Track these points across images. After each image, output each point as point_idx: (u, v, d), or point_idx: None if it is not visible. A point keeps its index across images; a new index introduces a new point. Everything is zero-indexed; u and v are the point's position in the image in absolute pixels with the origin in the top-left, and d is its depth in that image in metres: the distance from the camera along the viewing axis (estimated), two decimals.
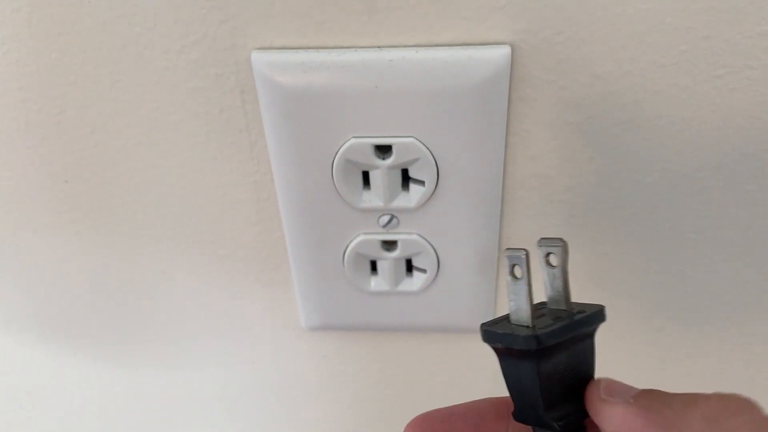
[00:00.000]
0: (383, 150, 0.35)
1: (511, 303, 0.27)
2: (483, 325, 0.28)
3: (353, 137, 0.34)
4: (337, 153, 0.34)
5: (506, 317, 0.28)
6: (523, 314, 0.27)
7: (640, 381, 0.26)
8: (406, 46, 0.32)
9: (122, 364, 0.48)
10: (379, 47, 0.32)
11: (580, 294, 0.41)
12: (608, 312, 0.40)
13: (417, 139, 0.34)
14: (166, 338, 0.46)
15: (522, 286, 0.27)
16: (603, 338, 0.43)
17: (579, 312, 0.28)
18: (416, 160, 0.34)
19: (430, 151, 0.34)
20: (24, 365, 0.50)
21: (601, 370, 0.41)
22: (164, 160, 0.37)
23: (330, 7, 0.31)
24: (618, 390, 0.26)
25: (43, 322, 0.46)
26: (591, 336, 0.28)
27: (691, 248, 0.38)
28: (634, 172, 0.36)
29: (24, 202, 0.40)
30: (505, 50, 0.31)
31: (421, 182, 0.35)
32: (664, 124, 0.34)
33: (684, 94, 0.33)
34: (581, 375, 0.28)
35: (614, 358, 0.44)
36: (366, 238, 0.38)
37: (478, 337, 0.44)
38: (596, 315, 0.28)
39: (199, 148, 0.36)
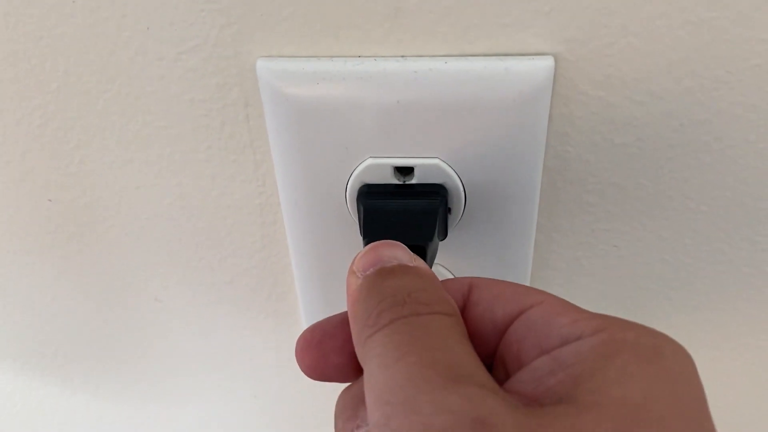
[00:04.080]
0: (404, 172, 0.31)
1: None
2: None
3: (370, 157, 0.30)
4: (351, 174, 0.30)
5: None
6: None
7: None
8: (433, 56, 0.28)
9: (112, 396, 0.45)
10: (402, 57, 0.28)
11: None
12: None
13: (443, 160, 0.30)
14: (162, 370, 0.42)
15: None
16: None
17: None
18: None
19: (458, 175, 0.30)
20: (6, 393, 0.46)
21: None
22: (160, 179, 0.33)
23: (348, 11, 0.27)
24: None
25: (26, 350, 0.43)
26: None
27: (748, 286, 0.34)
28: (688, 200, 0.31)
29: (4, 222, 0.36)
30: (548, 62, 0.27)
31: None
32: (724, 148, 0.30)
33: (751, 114, 0.29)
34: None
35: None
36: None
37: None
38: None
39: (199, 166, 0.33)
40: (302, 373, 0.41)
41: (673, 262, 0.34)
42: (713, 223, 0.32)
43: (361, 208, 0.29)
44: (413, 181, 0.30)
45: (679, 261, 0.34)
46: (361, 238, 0.31)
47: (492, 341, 0.22)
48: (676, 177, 0.31)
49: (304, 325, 0.37)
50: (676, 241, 0.33)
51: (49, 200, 0.35)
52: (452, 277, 0.34)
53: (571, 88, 0.28)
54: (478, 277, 0.23)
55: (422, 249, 0.28)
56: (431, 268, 0.29)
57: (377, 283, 0.21)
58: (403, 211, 0.29)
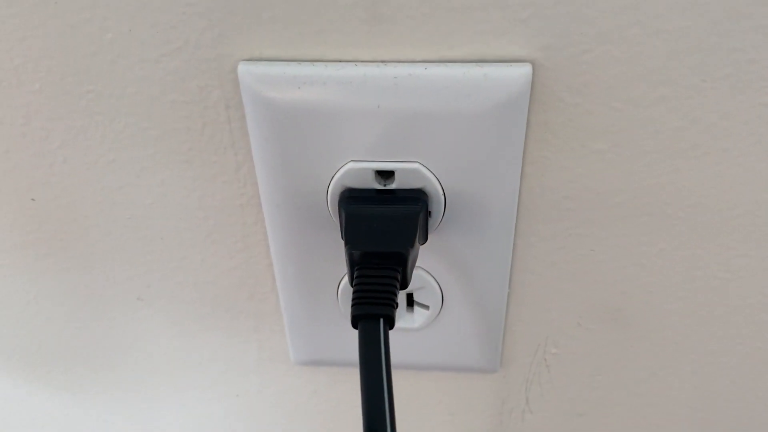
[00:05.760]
0: (385, 175, 0.31)
1: None
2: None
3: (351, 161, 0.30)
4: (332, 177, 0.31)
5: None
6: None
7: None
8: (413, 62, 0.28)
9: (95, 393, 0.45)
10: (383, 62, 0.28)
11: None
12: None
13: (423, 165, 0.30)
14: (143, 368, 0.42)
15: None
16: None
17: None
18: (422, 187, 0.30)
19: (437, 179, 0.30)
20: None
21: None
22: (141, 179, 0.33)
23: (328, 15, 0.27)
24: None
25: (7, 350, 0.43)
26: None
27: (724, 290, 0.35)
28: (665, 205, 0.32)
29: None
30: (526, 69, 0.28)
31: None
32: (699, 155, 0.30)
33: (724, 122, 0.29)
34: None
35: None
36: None
37: (482, 376, 0.40)
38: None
39: (180, 167, 0.33)
40: (283, 371, 0.41)
41: (650, 266, 0.34)
42: (690, 229, 0.33)
43: (343, 214, 0.30)
44: (394, 185, 0.30)
45: (655, 265, 0.34)
46: (341, 239, 0.31)
47: None
48: (653, 183, 0.31)
49: (286, 325, 0.38)
50: (653, 245, 0.33)
51: (32, 199, 0.35)
52: (433, 280, 0.34)
53: (549, 95, 0.29)
54: None
55: (403, 256, 0.28)
56: (412, 273, 0.29)
57: None
58: (385, 217, 0.29)
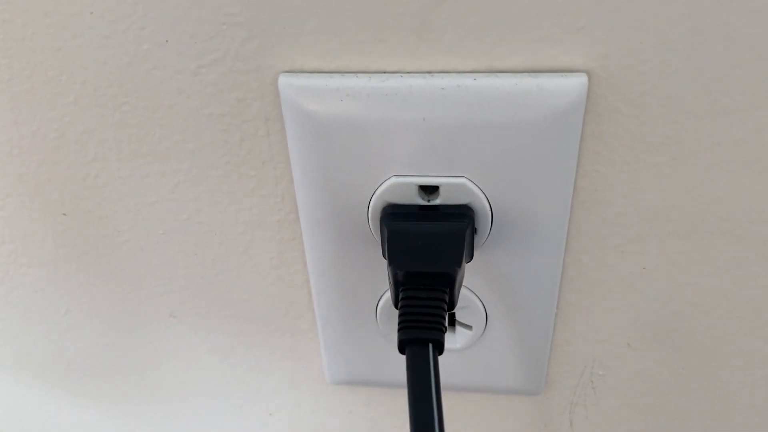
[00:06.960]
0: (429, 191, 0.30)
1: None
2: None
3: (394, 176, 0.29)
4: (374, 193, 0.29)
5: None
6: None
7: None
8: (461, 72, 0.27)
9: (124, 413, 0.44)
10: (429, 73, 0.27)
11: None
12: None
13: (469, 179, 0.29)
14: (175, 386, 0.41)
15: None
16: None
17: None
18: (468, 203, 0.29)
19: (485, 194, 0.29)
20: (18, 406, 0.45)
21: None
22: (176, 193, 0.32)
23: (373, 25, 0.26)
24: None
25: (37, 364, 0.42)
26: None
27: None
28: (723, 222, 0.30)
29: (17, 235, 0.35)
30: (582, 79, 0.26)
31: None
32: (762, 169, 0.29)
33: None
34: None
35: None
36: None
37: (524, 398, 0.39)
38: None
39: (216, 181, 0.32)
40: (317, 390, 0.40)
41: (706, 285, 0.32)
42: (749, 247, 0.31)
43: (386, 231, 0.28)
44: (438, 201, 0.29)
45: (711, 284, 0.32)
46: (381, 257, 0.30)
47: None
48: (711, 198, 0.30)
49: (321, 343, 0.37)
50: (708, 263, 0.32)
51: (64, 214, 0.34)
52: (477, 299, 0.33)
53: (604, 106, 0.27)
54: None
55: (450, 276, 0.27)
56: (459, 293, 0.28)
57: None
58: (430, 235, 0.28)
